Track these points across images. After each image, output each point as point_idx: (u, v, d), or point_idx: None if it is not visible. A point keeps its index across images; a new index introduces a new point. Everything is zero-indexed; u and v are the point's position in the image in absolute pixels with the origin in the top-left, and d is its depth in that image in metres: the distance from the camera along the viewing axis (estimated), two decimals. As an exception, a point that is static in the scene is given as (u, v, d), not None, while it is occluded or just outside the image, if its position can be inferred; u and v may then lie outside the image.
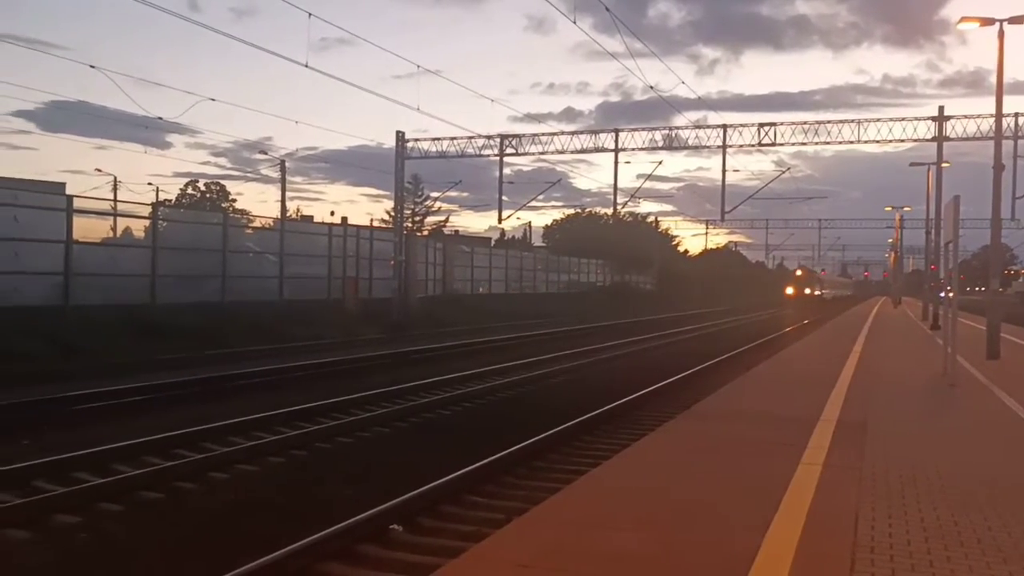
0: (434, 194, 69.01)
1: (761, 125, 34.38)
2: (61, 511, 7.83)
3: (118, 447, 10.15)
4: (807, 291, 75.55)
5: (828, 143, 34.07)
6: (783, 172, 42.34)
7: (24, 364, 16.49)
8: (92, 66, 26.86)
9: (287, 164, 51.56)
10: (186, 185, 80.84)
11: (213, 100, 49.53)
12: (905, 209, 63.46)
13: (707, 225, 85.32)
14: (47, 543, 7.10)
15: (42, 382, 14.95)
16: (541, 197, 41.88)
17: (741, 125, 34.82)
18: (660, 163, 43.11)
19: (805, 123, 33.87)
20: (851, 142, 33.51)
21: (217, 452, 10.36)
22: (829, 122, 33.53)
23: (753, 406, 11.30)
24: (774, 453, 8.01)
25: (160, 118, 30.75)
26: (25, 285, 21.47)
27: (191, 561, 6.61)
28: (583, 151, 36.79)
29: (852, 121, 33.27)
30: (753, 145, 34.87)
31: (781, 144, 34.25)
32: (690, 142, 36.16)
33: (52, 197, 24.67)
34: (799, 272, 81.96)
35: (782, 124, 34.08)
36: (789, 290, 75.38)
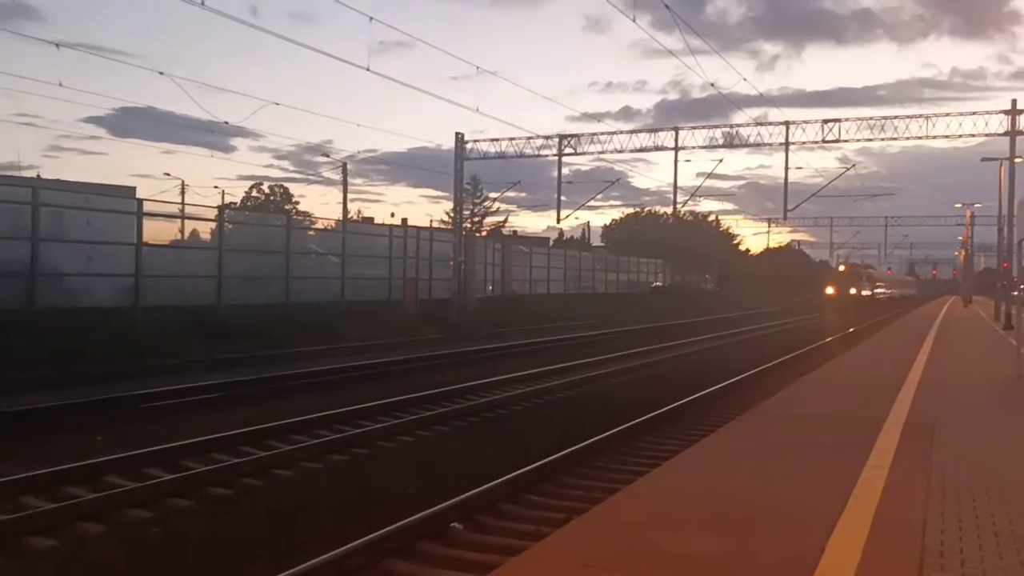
0: (493, 195, 69.31)
1: (825, 121, 33.77)
2: (133, 506, 8.06)
3: (186, 444, 10.41)
4: (853, 290, 63.40)
5: (895, 139, 33.32)
6: (847, 169, 41.38)
7: (97, 363, 17.00)
8: (161, 72, 27.55)
9: (348, 166, 52.20)
10: (251, 188, 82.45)
11: (277, 104, 50.33)
12: (976, 206, 61.62)
13: (769, 223, 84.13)
14: (120, 537, 7.31)
15: (114, 380, 15.40)
16: (600, 196, 41.75)
17: (804, 122, 34.26)
18: (721, 161, 42.72)
19: (871, 119, 33.21)
20: (919, 138, 32.72)
21: (281, 450, 10.55)
22: (896, 117, 32.78)
23: (816, 408, 11.11)
24: (839, 455, 7.88)
25: (226, 122, 31.51)
26: (97, 286, 22.14)
27: (257, 556, 6.75)
28: (642, 150, 36.58)
29: (920, 116, 32.43)
30: (816, 142, 34.27)
31: (846, 140, 33.58)
32: (751, 139, 35.66)
33: (123, 201, 25.40)
34: (842, 267, 67.79)
35: (847, 120, 33.43)
36: (829, 290, 61.76)
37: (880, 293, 70.12)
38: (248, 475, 9.39)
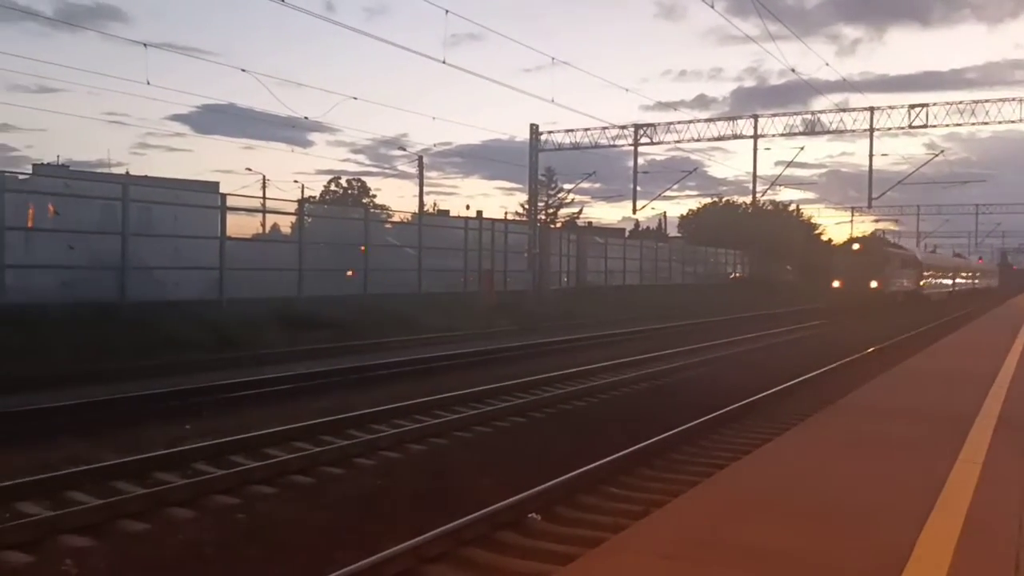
0: (567, 186, 69.05)
1: (912, 106, 32.79)
2: (220, 492, 8.30)
3: (270, 432, 10.66)
4: (875, 284, 40.31)
5: (986, 123, 32.16)
6: (935, 155, 40.07)
7: (185, 353, 17.54)
8: (243, 70, 28.25)
9: (424, 159, 52.65)
10: (329, 182, 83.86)
11: (355, 99, 51.07)
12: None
13: (852, 212, 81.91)
14: (208, 522, 7.54)
15: (201, 370, 15.87)
16: (676, 186, 41.18)
17: (889, 107, 33.33)
18: (802, 149, 41.48)
19: (960, 103, 32.05)
20: (1012, 122, 31.48)
21: (361, 439, 10.72)
22: (986, 101, 31.64)
23: (903, 402, 10.78)
24: (928, 450, 7.63)
25: (306, 117, 32.01)
26: (184, 279, 22.83)
27: (339, 543, 6.88)
28: (720, 138, 36.06)
29: (1012, 99, 31.16)
30: (903, 128, 33.27)
31: (934, 126, 32.53)
32: (833, 126, 34.79)
33: (208, 196, 26.14)
34: (856, 246, 44.77)
35: (935, 105, 32.36)
36: (836, 283, 41.95)
37: (933, 287, 50.26)
38: (329, 464, 9.57)
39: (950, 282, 58.83)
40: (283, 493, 8.55)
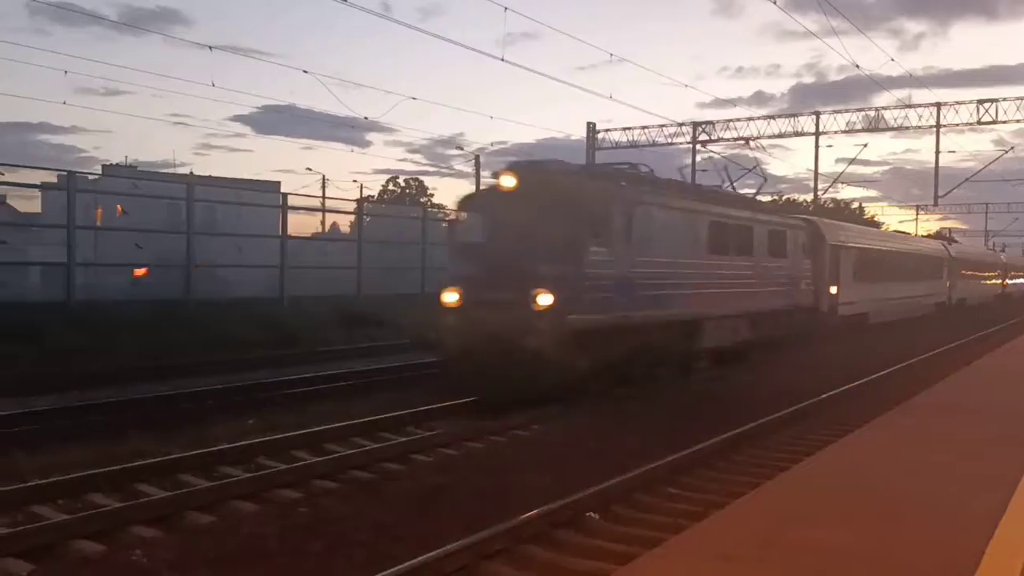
0: (624, 184, 68.49)
1: (980, 102, 31.86)
2: (283, 486, 8.43)
3: (331, 428, 10.80)
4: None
5: (1058, 118, 31.11)
6: (1005, 152, 38.86)
7: (248, 350, 17.86)
8: (305, 71, 28.75)
9: (480, 158, 52.81)
10: (387, 181, 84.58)
11: (414, 99, 51.47)
12: None
13: (917, 211, 79.86)
14: (272, 516, 7.66)
15: (264, 367, 16.15)
16: (735, 184, 40.53)
17: (956, 103, 32.44)
18: (865, 146, 40.49)
19: (1031, 97, 31.05)
20: (1085, 116, 30.42)
21: (419, 436, 10.80)
22: (1059, 95, 30.56)
23: (976, 400, 10.51)
24: (1001, 450, 7.41)
25: (365, 117, 32.36)
26: (247, 277, 23.26)
27: (398, 537, 6.93)
28: (780, 135, 35.53)
29: (1087, 93, 30.10)
30: (970, 124, 32.39)
31: (1003, 122, 31.60)
32: (897, 123, 34.02)
33: (269, 195, 26.57)
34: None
35: (1005, 100, 31.41)
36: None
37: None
38: (389, 460, 9.66)
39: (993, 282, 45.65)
40: (343, 488, 8.65)
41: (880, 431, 8.70)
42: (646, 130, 36.30)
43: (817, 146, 35.69)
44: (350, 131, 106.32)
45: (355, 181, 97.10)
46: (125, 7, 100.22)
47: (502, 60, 25.48)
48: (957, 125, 33.04)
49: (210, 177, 42.81)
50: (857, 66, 24.63)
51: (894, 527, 5.14)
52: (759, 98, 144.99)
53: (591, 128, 36.67)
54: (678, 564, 4.53)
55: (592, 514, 7.51)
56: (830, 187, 42.21)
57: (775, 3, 21.60)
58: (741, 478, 8.89)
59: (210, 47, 25.04)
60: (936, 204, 37.15)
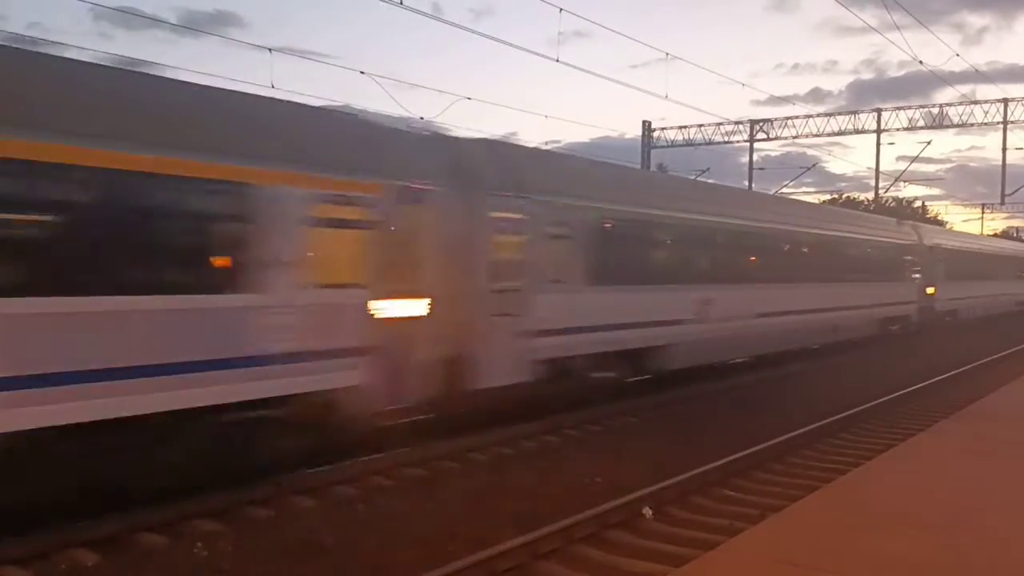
0: (679, 183, 67.90)
1: (1049, 97, 30.87)
2: (341, 483, 8.53)
3: (388, 426, 10.88)
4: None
5: None
6: (1075, 148, 37.51)
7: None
8: (362, 72, 28.99)
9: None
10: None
11: (469, 99, 51.70)
12: None
13: (983, 209, 77.70)
14: (330, 511, 7.78)
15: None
16: (792, 183, 39.88)
17: (1024, 98, 31.47)
18: (928, 143, 39.61)
19: (1104, 92, 30.02)
20: None
21: (476, 435, 10.82)
22: None
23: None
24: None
25: (421, 118, 32.55)
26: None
27: (452, 534, 6.98)
28: (840, 133, 34.89)
29: None
30: (1039, 119, 31.45)
31: (1075, 117, 30.61)
32: (961, 119, 33.19)
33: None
34: None
35: (1076, 94, 30.41)
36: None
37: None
38: (444, 458, 9.71)
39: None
40: (399, 486, 8.72)
41: (940, 436, 8.52)
42: (702, 128, 35.95)
43: (879, 144, 35.00)
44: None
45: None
46: (184, 11, 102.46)
47: (557, 61, 25.40)
48: (1025, 121, 32.13)
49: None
50: (920, 62, 24.04)
51: (953, 534, 5.04)
52: (815, 95, 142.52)
53: (646, 126, 36.44)
54: (735, 567, 4.49)
55: (647, 510, 7.48)
56: (891, 185, 41.36)
57: (836, -2, 21.20)
58: (798, 480, 8.79)
59: (270, 49, 25.33)
60: (1003, 203, 36.09)
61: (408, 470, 9.20)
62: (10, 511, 6.09)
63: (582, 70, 56.76)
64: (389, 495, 8.37)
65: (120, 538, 6.76)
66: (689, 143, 36.42)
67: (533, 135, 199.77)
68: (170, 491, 7.34)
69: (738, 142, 36.74)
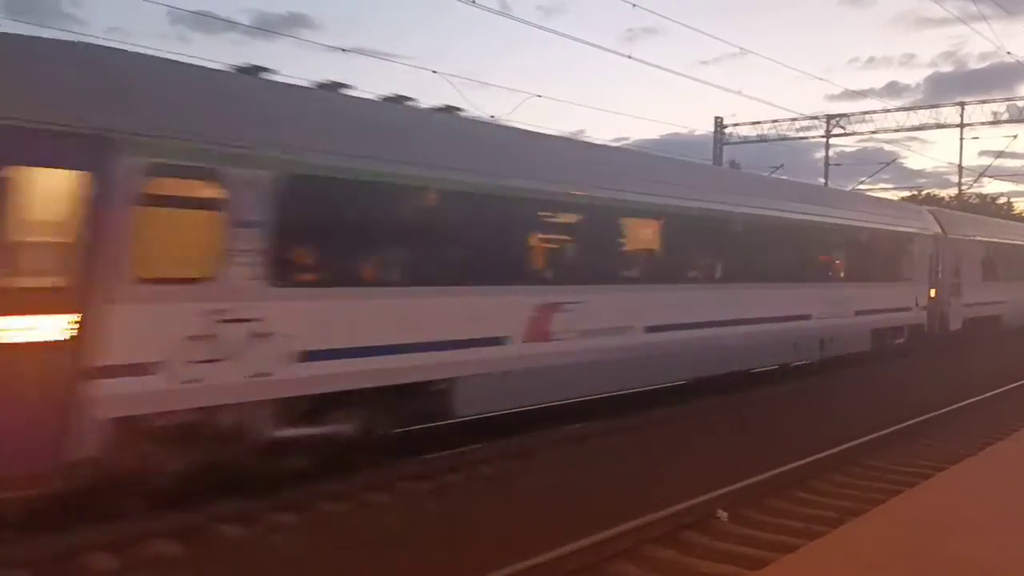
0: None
1: None
2: (412, 479, 8.62)
3: (460, 423, 10.92)
4: None
5: None
6: None
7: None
8: (434, 71, 29.26)
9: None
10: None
11: (539, 96, 51.67)
12: None
13: (1075, 206, 74.52)
14: (402, 507, 7.86)
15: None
16: (869, 179, 38.85)
17: (1119, 89, 30.07)
18: (1014, 137, 38.23)
19: None
20: None
21: (545, 433, 10.82)
22: None
23: None
24: None
25: (492, 116, 32.67)
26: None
27: (521, 531, 6.96)
28: (919, 128, 33.90)
29: None
30: None
31: None
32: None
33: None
34: None
35: None
36: None
37: None
38: (514, 456, 9.72)
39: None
40: (468, 482, 8.77)
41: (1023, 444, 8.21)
42: (776, 124, 35.32)
43: (962, 139, 33.92)
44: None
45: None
46: (258, 13, 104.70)
47: (630, 58, 25.26)
48: (1120, 114, 30.76)
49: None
50: (1009, 52, 23.20)
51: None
52: (892, 89, 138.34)
53: (718, 123, 35.95)
54: (816, 570, 4.40)
55: (722, 512, 7.38)
56: (975, 181, 40.03)
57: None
58: (877, 484, 8.57)
59: (343, 49, 25.77)
60: (1094, 199, 34.47)
61: (478, 468, 9.22)
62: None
63: (654, 66, 56.31)
64: (459, 491, 8.42)
65: (200, 527, 6.92)
66: (762, 139, 35.82)
67: (602, 132, 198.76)
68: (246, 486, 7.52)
69: (813, 138, 36.03)
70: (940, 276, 20.73)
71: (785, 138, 35.70)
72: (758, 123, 35.67)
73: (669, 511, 7.09)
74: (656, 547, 6.66)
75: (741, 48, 32.68)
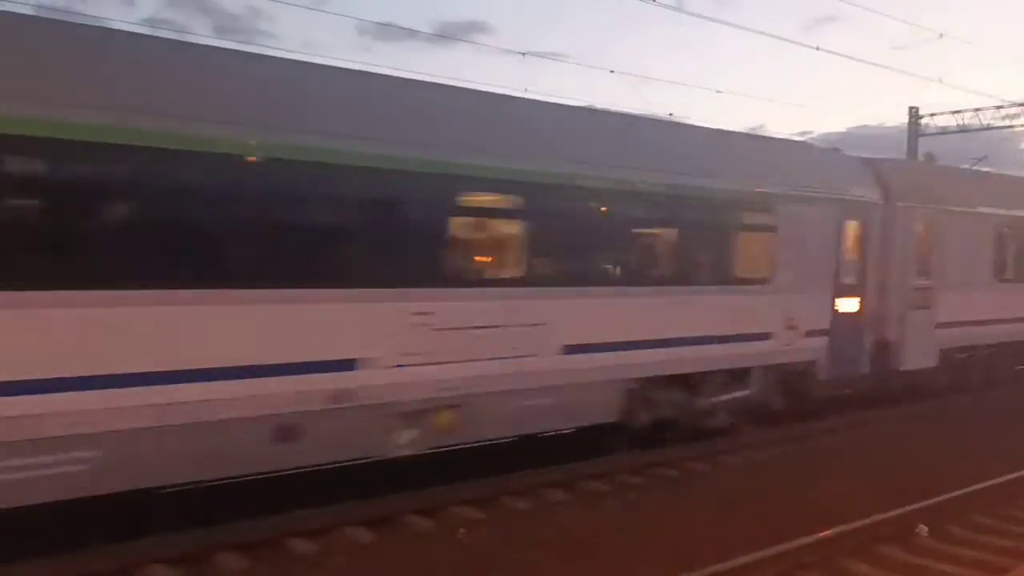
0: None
1: None
2: (592, 479, 8.64)
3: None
4: None
5: None
6: None
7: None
8: (611, 71, 29.25)
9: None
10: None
11: (719, 92, 50.53)
12: None
13: None
14: (582, 506, 7.90)
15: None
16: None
17: None
18: None
19: None
20: None
21: (729, 437, 10.55)
22: None
23: None
24: None
25: (670, 114, 32.29)
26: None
27: (700, 536, 6.84)
28: None
29: None
30: None
31: None
32: None
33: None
34: None
35: None
36: None
37: None
38: (696, 459, 9.54)
39: None
40: (648, 484, 8.69)
41: None
42: (979, 113, 32.83)
43: None
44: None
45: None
46: (437, 21, 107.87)
47: (817, 48, 24.23)
48: None
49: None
50: None
51: None
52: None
53: (913, 113, 33.82)
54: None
55: (922, 527, 6.96)
56: None
57: None
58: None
59: (523, 53, 26.18)
60: None
61: (658, 470, 9.12)
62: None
63: (843, 56, 53.51)
64: (639, 492, 8.36)
65: (391, 518, 7.22)
66: (963, 129, 33.39)
67: (782, 126, 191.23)
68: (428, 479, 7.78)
69: (1019, 127, 33.22)
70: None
71: (989, 127, 33.14)
72: (959, 112, 33.29)
73: (861, 523, 6.76)
74: (849, 559, 6.36)
75: (941, 34, 30.44)
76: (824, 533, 6.46)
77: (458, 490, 7.87)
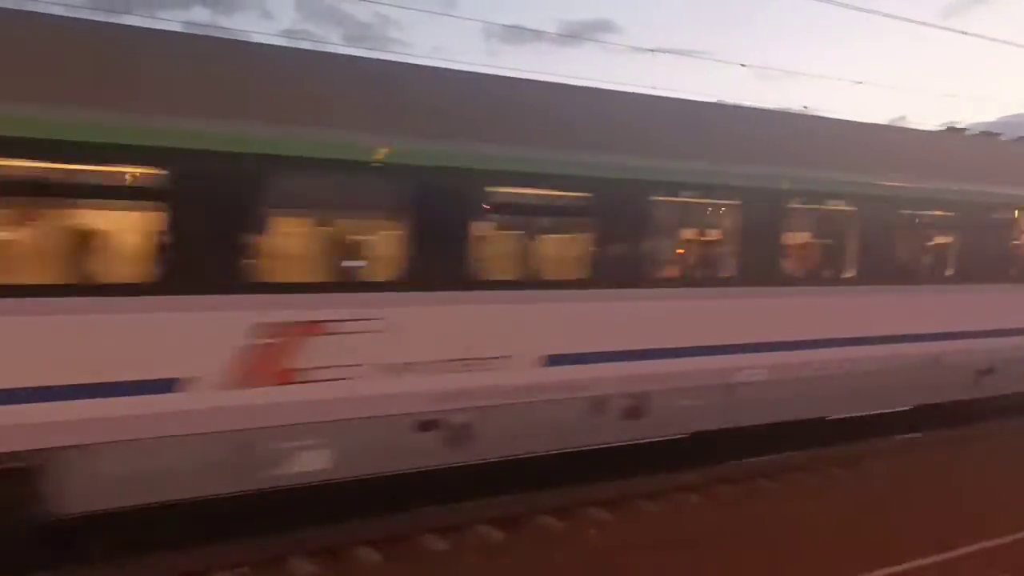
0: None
1: None
2: (726, 481, 8.49)
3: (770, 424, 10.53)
4: None
5: None
6: None
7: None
8: (743, 64, 28.77)
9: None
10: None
11: (859, 83, 48.79)
12: None
13: None
14: (715, 508, 7.77)
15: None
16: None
17: None
18: None
19: None
20: None
21: (872, 440, 10.16)
22: None
23: None
24: None
25: (805, 107, 31.37)
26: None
27: (837, 546, 6.59)
28: None
29: None
30: None
31: None
32: None
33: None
34: None
35: None
36: None
37: None
38: (836, 464, 9.22)
39: None
40: (783, 488, 8.46)
41: None
42: None
43: None
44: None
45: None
46: (563, 22, 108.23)
47: (964, 34, 22.93)
48: None
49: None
50: None
51: None
52: None
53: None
54: None
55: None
56: None
57: None
58: None
59: (651, 50, 26.00)
60: None
61: (794, 474, 8.86)
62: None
63: (992, 39, 50.28)
64: (769, 498, 8.15)
65: (522, 517, 7.31)
66: None
67: (922, 117, 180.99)
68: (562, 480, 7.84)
69: None
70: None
71: None
72: None
73: (1009, 539, 6.35)
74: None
75: (1107, 8, 27.80)
76: (971, 547, 6.12)
77: (592, 492, 7.89)
